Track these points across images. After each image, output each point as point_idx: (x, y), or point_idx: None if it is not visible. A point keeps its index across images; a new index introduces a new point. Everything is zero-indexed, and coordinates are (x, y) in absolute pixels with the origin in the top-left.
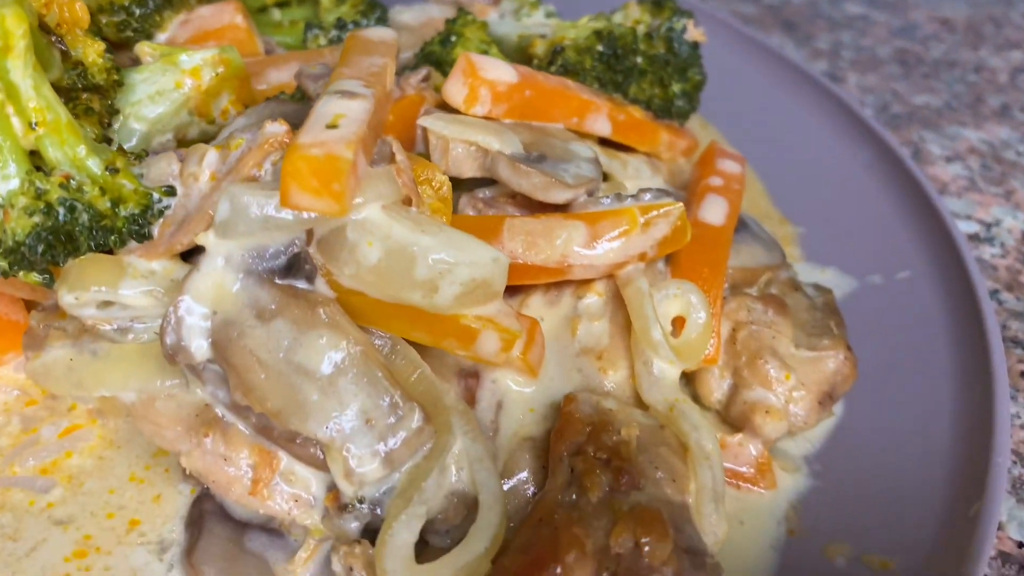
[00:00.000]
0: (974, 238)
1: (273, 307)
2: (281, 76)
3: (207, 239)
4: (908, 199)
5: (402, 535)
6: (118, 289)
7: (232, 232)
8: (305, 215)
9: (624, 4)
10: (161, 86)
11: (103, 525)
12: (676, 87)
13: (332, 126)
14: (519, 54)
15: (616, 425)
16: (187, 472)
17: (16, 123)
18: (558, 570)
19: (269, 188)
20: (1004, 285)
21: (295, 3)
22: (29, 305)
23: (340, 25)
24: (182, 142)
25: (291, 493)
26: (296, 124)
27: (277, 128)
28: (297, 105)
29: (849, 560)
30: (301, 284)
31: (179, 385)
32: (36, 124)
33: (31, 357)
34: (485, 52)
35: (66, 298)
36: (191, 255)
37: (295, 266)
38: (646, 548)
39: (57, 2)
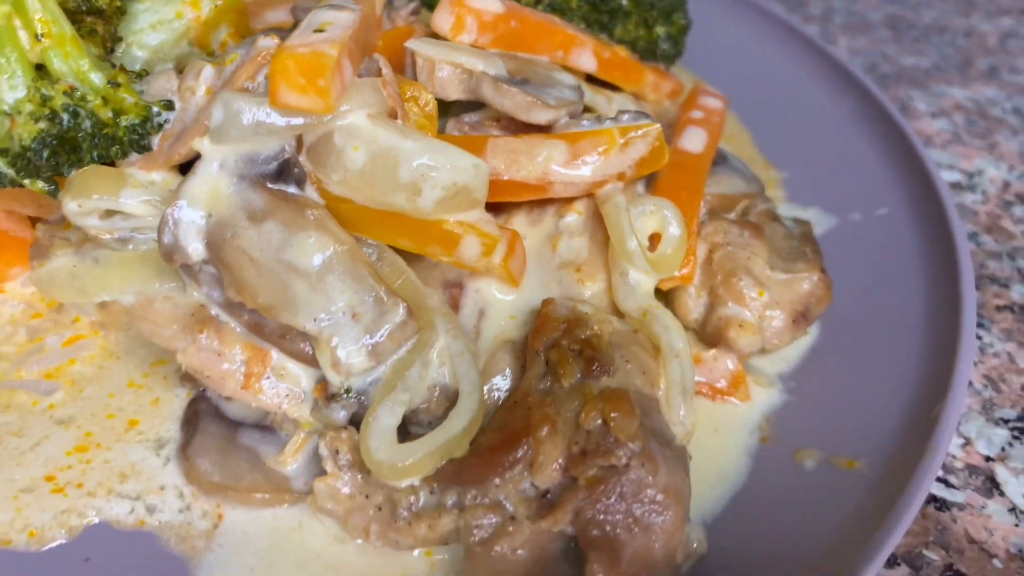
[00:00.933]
0: (956, 186)
1: (264, 210)
2: (278, 16)
3: (202, 144)
4: (888, 143)
5: (386, 418)
6: (119, 198)
7: (225, 137)
8: (294, 120)
9: None
10: (162, 16)
11: (103, 425)
12: (661, 30)
13: (319, 30)
14: None
15: (590, 323)
16: (183, 371)
17: (23, 35)
18: (530, 444)
19: (260, 95)
20: (984, 228)
21: None
22: (33, 222)
23: None
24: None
25: (282, 388)
26: None
27: (269, 42)
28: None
29: (818, 462)
30: (291, 189)
31: (175, 288)
32: (42, 36)
33: (36, 266)
34: None
35: (70, 205)
36: (188, 168)
37: (285, 172)
38: (613, 424)
39: None
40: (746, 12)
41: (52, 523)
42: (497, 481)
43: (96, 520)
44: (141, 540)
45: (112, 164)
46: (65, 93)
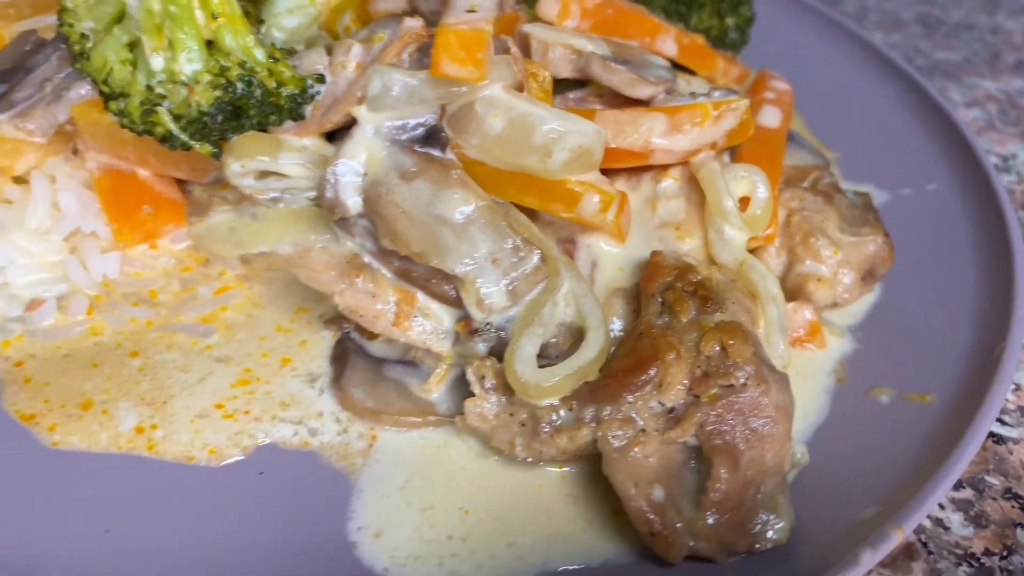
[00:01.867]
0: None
1: (414, 170)
2: (387, 4)
3: (360, 112)
4: (932, 123)
5: (527, 348)
6: (278, 159)
7: (381, 105)
8: (442, 91)
9: None
10: (298, 1)
11: (259, 362)
12: (730, 20)
13: (471, 11)
14: None
15: (698, 270)
16: (325, 317)
17: (199, 15)
18: (658, 368)
19: (410, 69)
20: (1019, 205)
21: None
22: (181, 185)
23: None
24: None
25: (427, 325)
26: None
27: (415, 23)
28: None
29: (892, 398)
30: (436, 152)
31: (329, 239)
32: (217, 15)
33: (195, 222)
34: None
35: (233, 166)
36: (333, 137)
37: (431, 136)
38: (731, 350)
39: None
40: (791, 7)
41: (227, 443)
42: (630, 399)
43: (266, 441)
44: (307, 457)
45: (265, 131)
46: (239, 65)
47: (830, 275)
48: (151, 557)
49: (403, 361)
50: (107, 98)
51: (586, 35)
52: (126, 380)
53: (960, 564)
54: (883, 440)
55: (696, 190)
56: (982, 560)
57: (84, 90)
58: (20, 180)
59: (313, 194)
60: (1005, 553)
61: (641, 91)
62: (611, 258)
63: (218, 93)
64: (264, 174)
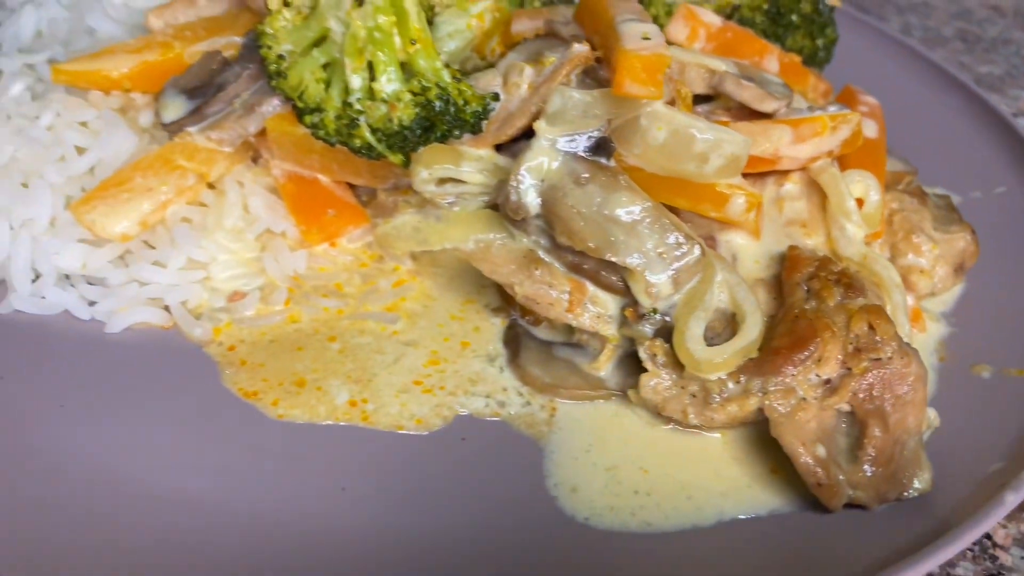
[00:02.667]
0: None
1: (586, 176)
2: (521, 26)
3: (540, 125)
4: (992, 131)
5: (695, 329)
6: (460, 168)
7: (559, 120)
8: (612, 108)
9: None
10: (457, 27)
11: (443, 345)
12: (819, 41)
13: (646, 38)
14: None
15: (836, 262)
16: (517, 297)
17: (397, 41)
18: (816, 345)
19: (585, 89)
20: None
21: None
22: (353, 190)
23: None
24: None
25: (595, 312)
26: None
27: (582, 47)
28: (551, 41)
29: (992, 374)
30: (603, 160)
31: (504, 237)
32: (415, 41)
33: (381, 223)
34: (668, 12)
35: (422, 173)
36: (502, 148)
37: (600, 146)
38: (877, 329)
39: None
40: (855, 26)
41: (431, 414)
42: (792, 372)
43: (464, 412)
44: (499, 426)
45: (446, 143)
46: (436, 85)
47: (929, 267)
48: (385, 509)
49: (568, 343)
50: (301, 112)
51: (715, 56)
52: (330, 361)
53: None
54: (992, 408)
55: (815, 192)
56: None
57: (272, 105)
58: (210, 186)
59: (486, 198)
60: None
61: (768, 106)
62: (748, 252)
63: (418, 110)
64: (443, 181)
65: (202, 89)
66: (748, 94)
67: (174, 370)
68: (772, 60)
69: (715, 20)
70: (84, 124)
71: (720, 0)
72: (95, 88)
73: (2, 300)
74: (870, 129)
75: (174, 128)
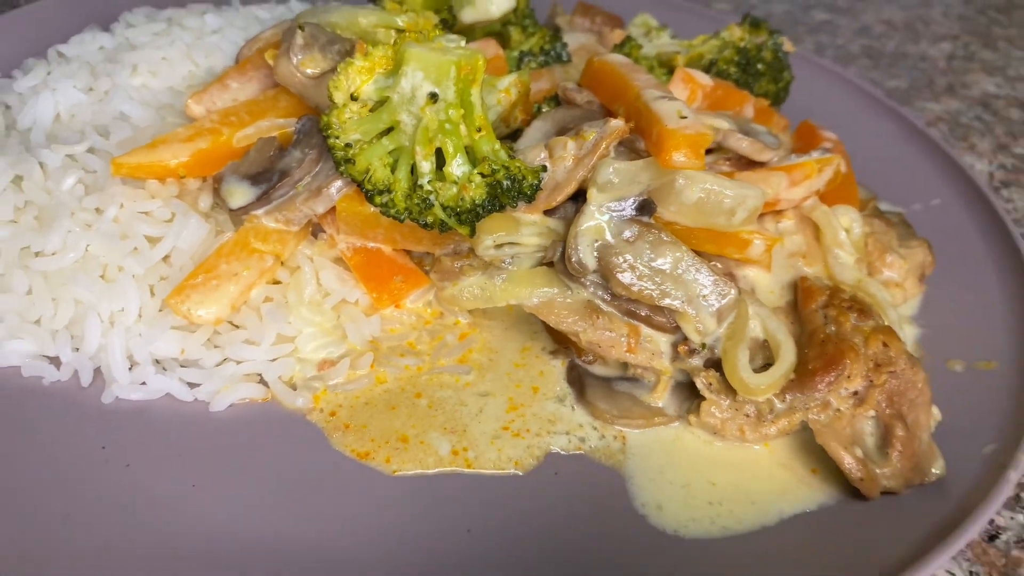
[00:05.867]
0: None
1: (634, 234)
2: (535, 88)
3: (592, 193)
4: (926, 150)
5: (743, 359)
6: (519, 233)
7: (608, 188)
8: (653, 174)
9: (727, 26)
10: (490, 101)
11: (516, 392)
12: (780, 84)
13: (682, 116)
14: (662, 67)
15: (843, 290)
16: (582, 343)
17: (463, 129)
18: (845, 365)
19: (627, 161)
20: None
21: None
22: (409, 255)
23: (544, 52)
24: None
25: (649, 348)
26: (573, 125)
27: (619, 123)
28: (568, 110)
29: (964, 367)
30: (646, 219)
31: (561, 291)
32: (480, 128)
33: (447, 286)
34: (651, 69)
35: (487, 240)
36: (550, 212)
37: (643, 208)
38: (891, 347)
39: None
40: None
41: (524, 454)
42: (827, 388)
43: (553, 449)
44: (583, 459)
45: (503, 211)
46: (504, 166)
47: (902, 280)
48: (510, 542)
49: (625, 377)
50: (370, 194)
51: (711, 113)
52: (424, 416)
53: None
54: (972, 396)
55: (807, 226)
56: None
57: (336, 187)
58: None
59: (539, 255)
60: None
61: (765, 156)
62: (764, 283)
63: (488, 189)
64: (500, 244)
65: (264, 175)
66: (748, 147)
67: (284, 439)
68: (749, 107)
69: (707, 80)
70: (146, 214)
71: (692, 54)
72: (153, 178)
73: (102, 390)
74: (841, 165)
75: (241, 213)
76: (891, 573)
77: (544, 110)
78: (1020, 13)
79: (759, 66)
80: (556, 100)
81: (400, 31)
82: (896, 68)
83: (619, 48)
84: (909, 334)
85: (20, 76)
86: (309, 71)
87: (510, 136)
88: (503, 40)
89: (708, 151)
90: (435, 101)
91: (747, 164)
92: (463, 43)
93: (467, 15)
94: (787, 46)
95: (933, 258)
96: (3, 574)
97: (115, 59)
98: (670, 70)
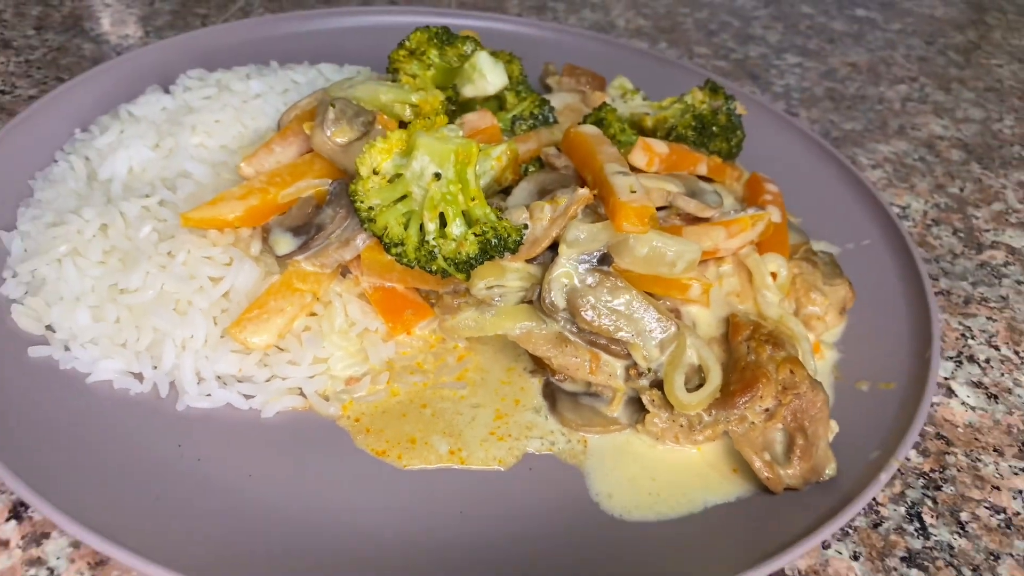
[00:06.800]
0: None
1: (596, 281)
2: (522, 148)
3: (562, 249)
4: (861, 195)
5: (679, 381)
6: (505, 277)
7: (575, 244)
8: (611, 235)
9: (691, 90)
10: (484, 168)
11: (501, 404)
12: (733, 142)
13: (633, 191)
14: (634, 127)
15: (765, 325)
16: (530, 369)
17: (461, 199)
18: (759, 387)
19: (590, 223)
20: (919, 243)
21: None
22: (419, 292)
23: (533, 115)
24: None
25: (607, 371)
26: (551, 187)
27: (585, 191)
28: (548, 173)
29: (869, 387)
30: (605, 268)
31: (538, 324)
32: (474, 198)
33: (448, 318)
34: (623, 130)
35: (479, 284)
36: (531, 260)
37: (603, 260)
38: (796, 373)
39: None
40: (753, 107)
41: (506, 454)
42: (744, 406)
43: (529, 450)
44: (551, 458)
45: (491, 261)
46: (491, 227)
47: (823, 314)
48: (493, 522)
49: (588, 392)
50: (387, 246)
51: (665, 176)
52: (428, 423)
53: (919, 478)
54: (870, 411)
55: (743, 270)
56: (929, 473)
57: (361, 239)
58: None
59: (522, 294)
60: (940, 468)
61: (707, 213)
62: (703, 318)
63: (480, 245)
64: (490, 286)
65: (304, 228)
66: (692, 207)
67: (319, 440)
68: (702, 166)
69: (663, 148)
70: (209, 258)
71: (657, 117)
72: (213, 228)
73: (176, 400)
74: (776, 215)
75: (286, 259)
76: (788, 544)
77: (530, 170)
78: (977, 55)
79: (714, 128)
80: (540, 162)
81: (413, 106)
82: (854, 110)
83: (597, 112)
84: (830, 358)
85: (96, 132)
86: (339, 140)
87: (503, 191)
88: (500, 102)
89: (662, 208)
90: (439, 178)
91: (694, 219)
92: (460, 133)
93: (468, 91)
94: (740, 109)
95: (853, 294)
96: (119, 543)
97: (176, 120)
98: (640, 130)
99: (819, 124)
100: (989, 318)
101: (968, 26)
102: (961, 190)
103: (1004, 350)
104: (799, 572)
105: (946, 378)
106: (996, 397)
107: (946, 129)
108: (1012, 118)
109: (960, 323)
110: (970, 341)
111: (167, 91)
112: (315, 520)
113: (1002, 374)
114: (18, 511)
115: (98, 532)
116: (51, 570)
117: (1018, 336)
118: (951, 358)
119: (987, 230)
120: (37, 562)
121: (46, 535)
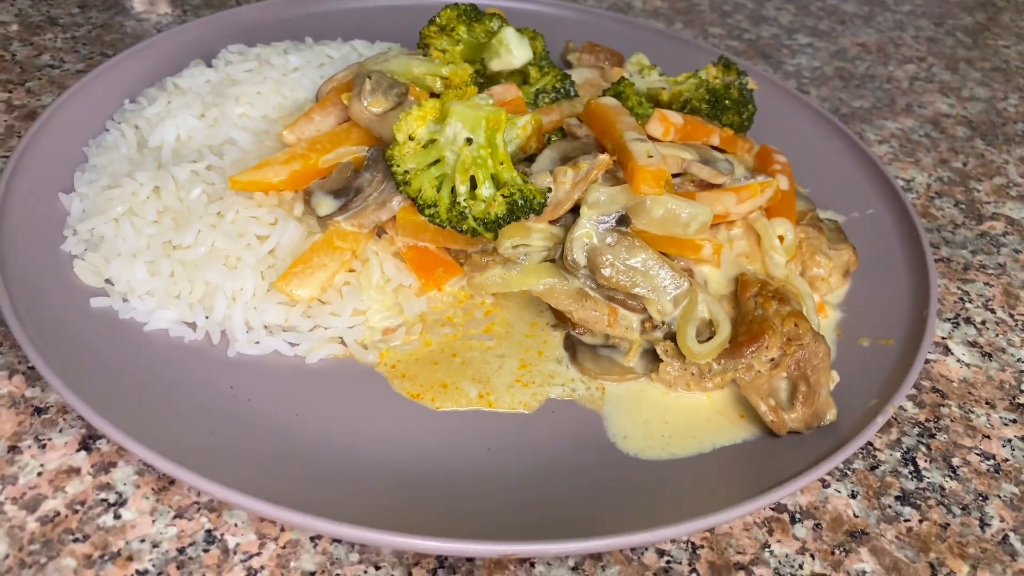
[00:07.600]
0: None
1: (615, 240)
2: (546, 120)
3: (584, 210)
4: (867, 167)
5: (691, 333)
6: (531, 237)
7: (596, 206)
8: (630, 197)
9: (705, 67)
10: (510, 136)
11: (526, 355)
12: (744, 115)
13: (650, 156)
14: (650, 101)
15: (771, 283)
16: (574, 319)
17: (490, 163)
18: (765, 338)
19: (610, 186)
20: (922, 214)
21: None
22: (449, 252)
23: (555, 89)
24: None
25: (624, 324)
26: (573, 155)
27: (605, 157)
28: (570, 142)
29: (870, 343)
30: (623, 229)
31: (561, 280)
32: (502, 162)
33: (476, 276)
34: (640, 103)
35: (506, 243)
36: (554, 221)
37: (622, 221)
38: (800, 326)
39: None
40: (765, 84)
41: (531, 399)
42: (751, 355)
43: (551, 396)
44: (573, 404)
45: (519, 221)
46: (519, 190)
47: (827, 276)
48: (516, 458)
49: (606, 345)
50: (421, 207)
51: (681, 145)
52: (458, 370)
53: (914, 427)
54: (870, 364)
55: (752, 233)
56: (924, 423)
57: (396, 201)
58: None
59: (545, 253)
60: (935, 419)
61: (719, 180)
62: (714, 277)
63: (507, 205)
64: (516, 245)
65: (343, 191)
66: (705, 173)
67: (359, 384)
68: (715, 137)
69: (679, 119)
70: (256, 218)
71: (674, 90)
72: (259, 191)
73: (227, 347)
74: (784, 183)
75: (327, 219)
76: (789, 478)
77: (553, 139)
78: (985, 36)
79: (727, 102)
80: (562, 131)
81: (444, 78)
82: (863, 89)
83: (615, 86)
84: (833, 317)
85: (145, 103)
86: (375, 110)
87: (528, 159)
88: (524, 76)
89: (677, 175)
90: (470, 144)
91: (707, 185)
92: (491, 101)
93: (495, 65)
94: (751, 84)
95: (857, 258)
96: (182, 462)
97: (221, 92)
98: (657, 103)
99: (828, 102)
100: (987, 283)
101: (977, 8)
102: (964, 165)
103: (1000, 313)
104: (801, 508)
105: (943, 337)
106: (990, 355)
107: (952, 107)
108: (1017, 97)
109: (959, 288)
110: (967, 304)
111: (209, 65)
112: (356, 455)
113: (996, 335)
114: (87, 443)
115: (164, 455)
116: (119, 494)
117: (1013, 300)
118: (949, 319)
119: (988, 202)
120: (106, 487)
121: (113, 464)
